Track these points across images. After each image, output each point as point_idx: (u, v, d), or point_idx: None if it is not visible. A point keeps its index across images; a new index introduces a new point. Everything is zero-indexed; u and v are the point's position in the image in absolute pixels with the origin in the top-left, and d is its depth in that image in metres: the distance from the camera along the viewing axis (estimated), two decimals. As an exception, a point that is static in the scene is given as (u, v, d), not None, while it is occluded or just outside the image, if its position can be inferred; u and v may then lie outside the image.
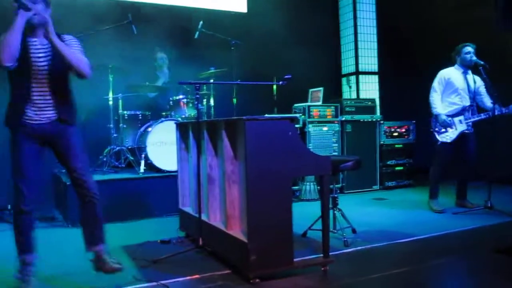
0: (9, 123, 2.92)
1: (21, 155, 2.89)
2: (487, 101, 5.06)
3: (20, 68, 2.84)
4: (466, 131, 5.06)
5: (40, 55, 2.90)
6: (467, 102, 5.06)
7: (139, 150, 5.73)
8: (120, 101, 6.03)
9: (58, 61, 2.90)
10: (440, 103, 5.14)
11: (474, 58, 4.98)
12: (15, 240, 2.98)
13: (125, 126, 5.97)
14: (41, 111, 2.91)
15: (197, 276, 3.16)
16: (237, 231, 3.24)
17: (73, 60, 2.88)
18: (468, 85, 5.07)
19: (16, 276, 2.94)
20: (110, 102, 5.92)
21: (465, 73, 5.11)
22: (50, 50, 2.91)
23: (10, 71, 2.85)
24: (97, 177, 5.25)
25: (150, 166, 5.58)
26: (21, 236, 2.97)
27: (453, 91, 5.10)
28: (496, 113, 4.84)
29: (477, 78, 5.07)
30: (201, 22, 6.22)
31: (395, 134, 6.98)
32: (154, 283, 3.02)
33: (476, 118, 5.03)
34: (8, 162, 2.95)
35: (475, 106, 5.10)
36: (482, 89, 5.11)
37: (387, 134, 6.92)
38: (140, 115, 6.10)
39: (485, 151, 4.92)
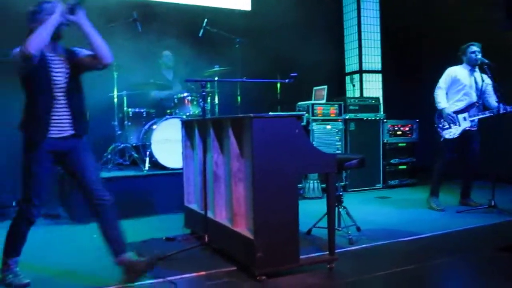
0: (33, 136, 2.91)
1: (40, 174, 2.92)
2: (492, 100, 5.04)
3: (40, 83, 2.88)
4: (470, 128, 5.05)
5: (58, 70, 2.94)
6: (473, 99, 5.05)
7: (143, 147, 5.74)
8: (125, 98, 6.03)
9: (75, 76, 2.98)
10: (445, 99, 5.13)
11: (480, 57, 4.96)
12: (8, 240, 2.98)
13: (129, 123, 5.97)
14: (60, 126, 2.94)
15: (203, 272, 3.18)
16: (243, 229, 3.25)
17: (98, 41, 2.90)
18: (476, 83, 5.05)
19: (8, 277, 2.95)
20: (115, 100, 5.93)
21: (472, 71, 5.09)
22: (67, 66, 2.97)
23: (29, 84, 2.89)
24: (102, 174, 5.27)
25: (154, 163, 5.58)
26: (17, 237, 2.98)
27: (460, 88, 5.09)
28: (501, 112, 4.84)
29: (485, 77, 5.04)
30: (205, 20, 6.25)
31: (399, 132, 6.98)
32: (161, 280, 3.04)
33: (481, 116, 5.02)
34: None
35: (481, 104, 5.09)
36: (489, 88, 5.08)
37: (391, 132, 6.91)
38: (144, 113, 6.07)
39: (489, 150, 4.92)
